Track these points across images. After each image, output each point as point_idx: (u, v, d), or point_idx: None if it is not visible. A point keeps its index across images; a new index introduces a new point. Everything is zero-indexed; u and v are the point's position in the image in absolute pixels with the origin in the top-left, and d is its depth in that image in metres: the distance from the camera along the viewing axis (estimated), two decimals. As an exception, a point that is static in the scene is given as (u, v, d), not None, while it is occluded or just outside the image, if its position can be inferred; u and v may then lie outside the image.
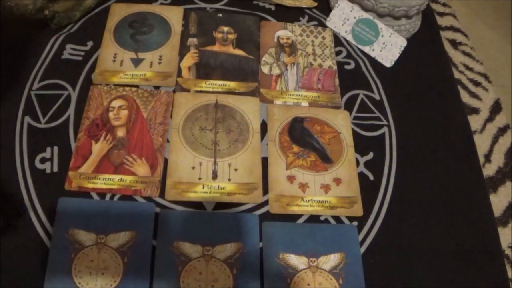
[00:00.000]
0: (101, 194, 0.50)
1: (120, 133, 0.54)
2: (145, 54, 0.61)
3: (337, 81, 0.63)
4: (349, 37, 0.69)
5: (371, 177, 0.55)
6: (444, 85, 0.68)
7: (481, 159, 0.97)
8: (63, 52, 0.60)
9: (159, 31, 0.64)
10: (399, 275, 0.49)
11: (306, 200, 0.52)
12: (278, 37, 0.67)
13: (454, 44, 1.18)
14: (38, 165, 0.51)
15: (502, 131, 1.04)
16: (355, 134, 0.58)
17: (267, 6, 0.71)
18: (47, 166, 0.51)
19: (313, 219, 0.51)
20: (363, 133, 0.59)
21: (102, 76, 0.58)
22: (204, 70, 0.61)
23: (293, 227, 0.50)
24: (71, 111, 0.55)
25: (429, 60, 0.70)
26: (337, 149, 0.56)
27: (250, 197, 0.51)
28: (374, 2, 0.67)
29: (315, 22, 0.70)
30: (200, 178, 0.52)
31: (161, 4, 0.68)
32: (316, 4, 0.72)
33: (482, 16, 1.33)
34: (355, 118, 0.60)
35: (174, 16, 0.66)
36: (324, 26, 0.70)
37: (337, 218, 0.52)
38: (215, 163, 0.53)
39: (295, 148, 0.56)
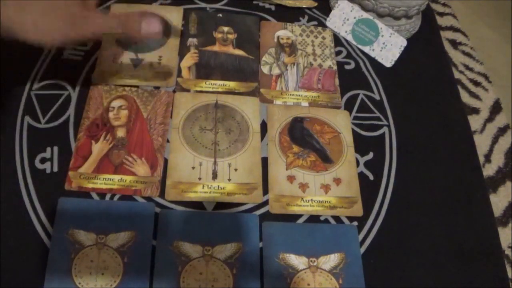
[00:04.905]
0: (101, 194, 0.50)
1: (120, 133, 0.54)
2: (145, 54, 0.61)
3: (337, 81, 0.63)
4: (349, 37, 0.69)
5: (371, 177, 0.56)
6: (444, 85, 0.68)
7: (481, 159, 0.97)
8: (63, 52, 0.60)
9: (159, 31, 0.64)
10: (399, 275, 0.49)
11: (306, 200, 0.52)
12: (278, 37, 0.67)
13: (454, 44, 1.18)
14: (38, 165, 0.51)
15: (502, 131, 1.05)
16: (355, 134, 0.58)
17: (267, 6, 0.71)
18: (47, 166, 0.51)
19: (313, 219, 0.51)
20: (363, 133, 0.59)
21: (102, 76, 0.58)
22: (204, 70, 0.61)
23: (293, 227, 0.50)
24: (71, 111, 0.55)
25: (429, 60, 0.70)
26: (337, 149, 0.56)
27: (250, 197, 0.51)
28: (374, 2, 0.67)
29: (315, 22, 0.70)
30: (200, 178, 0.52)
31: (161, 4, 0.68)
32: (316, 4, 0.72)
33: (482, 16, 1.33)
34: (355, 118, 0.60)
35: (174, 16, 0.66)
36: (324, 26, 0.70)
37: (337, 218, 0.52)
38: (215, 163, 0.53)
39: (295, 148, 0.56)
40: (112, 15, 0.53)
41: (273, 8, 0.71)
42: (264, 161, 0.54)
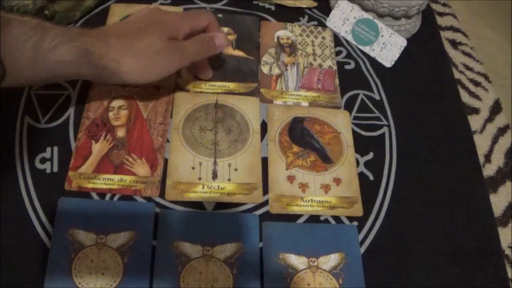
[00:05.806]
0: (101, 194, 0.50)
1: (120, 133, 0.54)
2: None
3: (337, 81, 0.63)
4: (349, 37, 0.69)
5: (371, 177, 0.55)
6: (444, 85, 0.68)
7: (481, 159, 0.97)
8: (63, 52, 0.60)
9: (159, 31, 0.64)
10: (399, 275, 0.49)
11: (306, 200, 0.52)
12: (278, 37, 0.67)
13: (454, 44, 1.19)
14: (38, 165, 0.51)
15: (502, 131, 1.05)
16: (355, 134, 0.58)
17: (267, 6, 0.71)
18: (47, 166, 0.51)
19: (313, 219, 0.51)
20: (363, 133, 0.59)
21: (102, 76, 0.58)
22: (204, 70, 0.61)
23: (293, 227, 0.50)
24: (71, 111, 0.55)
25: (429, 60, 0.70)
26: (337, 149, 0.56)
27: (250, 197, 0.51)
28: (374, 2, 0.67)
29: (315, 22, 0.70)
30: (200, 178, 0.52)
31: (161, 4, 0.68)
32: (316, 4, 0.72)
33: (482, 16, 1.34)
34: (355, 118, 0.60)
35: (174, 16, 0.66)
36: (324, 26, 0.70)
37: (337, 218, 0.52)
38: (215, 163, 0.53)
39: (295, 148, 0.56)
40: (194, 40, 0.51)
41: (273, 8, 0.71)
42: (264, 161, 0.54)
